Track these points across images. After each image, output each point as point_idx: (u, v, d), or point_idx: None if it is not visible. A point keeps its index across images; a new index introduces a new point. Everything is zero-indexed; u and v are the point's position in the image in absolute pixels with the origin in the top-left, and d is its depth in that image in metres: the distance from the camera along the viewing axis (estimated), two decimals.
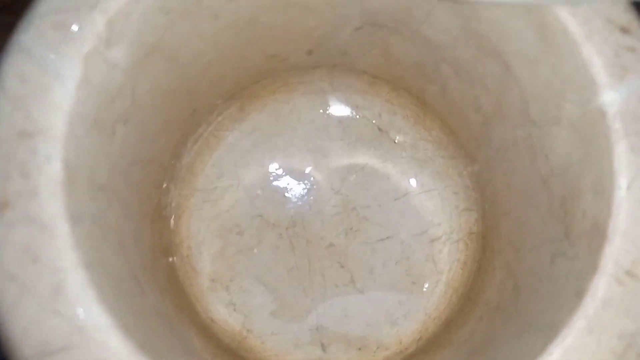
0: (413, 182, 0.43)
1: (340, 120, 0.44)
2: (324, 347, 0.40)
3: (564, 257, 0.27)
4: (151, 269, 0.33)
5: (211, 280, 0.40)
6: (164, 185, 0.39)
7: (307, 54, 0.40)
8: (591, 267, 0.24)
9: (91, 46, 0.25)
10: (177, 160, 0.40)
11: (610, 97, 0.25)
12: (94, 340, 0.22)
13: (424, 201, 0.43)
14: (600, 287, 0.23)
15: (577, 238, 0.27)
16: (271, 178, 0.43)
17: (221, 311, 0.40)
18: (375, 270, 0.42)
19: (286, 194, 0.43)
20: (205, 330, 0.38)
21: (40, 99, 0.24)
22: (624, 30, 0.26)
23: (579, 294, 0.23)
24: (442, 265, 0.41)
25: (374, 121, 0.44)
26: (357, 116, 0.44)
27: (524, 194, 0.34)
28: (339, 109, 0.44)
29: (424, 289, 0.41)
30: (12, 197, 0.23)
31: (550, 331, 0.23)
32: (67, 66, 0.25)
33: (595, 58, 0.25)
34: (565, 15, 0.26)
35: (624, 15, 0.26)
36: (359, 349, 0.40)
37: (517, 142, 0.34)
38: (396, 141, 0.44)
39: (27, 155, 0.23)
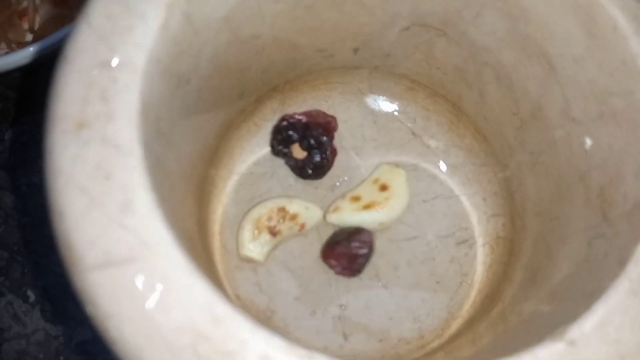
0: (442, 186, 0.44)
1: (375, 121, 0.46)
2: (345, 336, 0.40)
3: (602, 238, 0.28)
4: (189, 232, 0.34)
5: (239, 259, 0.41)
6: (207, 161, 0.40)
7: (352, 52, 0.42)
8: (633, 238, 0.25)
9: None
10: (220, 140, 0.42)
11: None
12: (158, 254, 0.22)
13: (452, 205, 0.44)
14: None
15: (617, 219, 0.28)
16: None
17: (247, 289, 0.41)
18: (400, 267, 0.42)
19: (316, 186, 0.44)
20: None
21: (124, 35, 0.26)
22: None
23: (622, 262, 0.24)
24: (467, 268, 0.42)
25: (408, 125, 0.46)
26: (392, 119, 0.46)
27: (558, 192, 0.35)
28: (374, 111, 0.46)
29: (448, 289, 0.42)
30: (91, 118, 0.24)
31: (592, 296, 0.24)
32: (151, 9, 0.26)
33: None
34: (615, 11, 0.28)
35: None
36: (380, 340, 0.40)
37: (554, 143, 0.35)
38: (429, 146, 0.45)
39: (107, 83, 0.25)
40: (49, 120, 0.25)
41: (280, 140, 0.42)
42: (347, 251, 0.40)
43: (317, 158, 0.42)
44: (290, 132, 0.42)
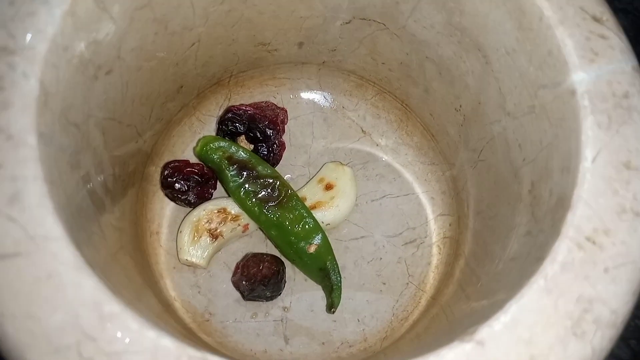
0: (391, 185, 0.43)
1: (325, 119, 0.45)
2: (286, 339, 0.39)
3: (529, 236, 0.27)
4: (118, 227, 0.33)
5: (177, 261, 0.39)
6: (144, 158, 0.39)
7: (297, 46, 0.41)
8: (553, 235, 0.24)
9: None
10: (158, 136, 0.41)
11: (580, 77, 0.26)
12: (46, 249, 0.21)
13: (400, 204, 0.43)
14: (561, 250, 0.23)
15: (542, 216, 0.27)
16: None
17: (186, 291, 0.39)
18: (347, 268, 0.41)
19: None
20: (166, 306, 0.37)
21: (25, 21, 0.25)
22: (596, 19, 0.27)
23: (540, 259, 0.23)
24: (414, 268, 0.41)
25: (358, 122, 0.45)
26: (342, 116, 0.45)
27: (496, 189, 0.34)
28: (324, 108, 0.45)
29: (393, 290, 0.41)
30: None
31: (509, 294, 0.23)
32: None
33: (567, 40, 0.26)
34: (542, 1, 0.27)
35: (597, 6, 0.27)
36: (322, 343, 0.39)
37: (493, 138, 0.34)
38: (378, 144, 0.44)
39: (5, 70, 0.24)
40: None
41: (226, 131, 0.41)
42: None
43: (264, 151, 0.41)
44: (236, 124, 0.40)
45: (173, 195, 0.39)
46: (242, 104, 0.42)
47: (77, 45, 0.27)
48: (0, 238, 0.21)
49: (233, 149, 0.39)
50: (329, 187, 0.41)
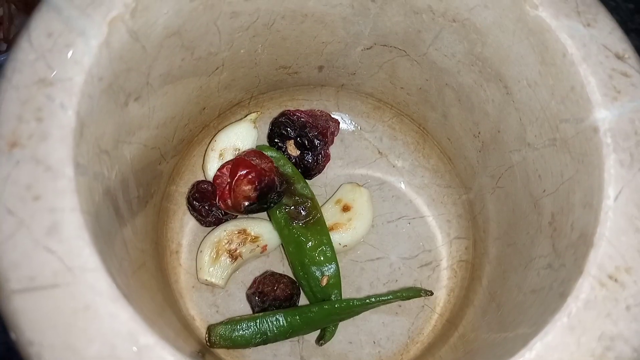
0: (407, 207, 0.44)
1: (342, 139, 0.45)
2: None
3: (550, 269, 0.28)
4: (140, 247, 0.34)
5: (196, 280, 0.40)
6: (166, 178, 0.40)
7: (317, 69, 0.42)
8: (576, 272, 0.24)
9: (117, 12, 0.27)
10: (180, 156, 0.41)
11: (603, 115, 0.26)
12: (83, 281, 0.22)
13: (416, 227, 0.44)
14: (584, 288, 0.23)
15: (564, 250, 0.27)
16: None
17: (204, 311, 0.40)
18: (362, 289, 0.42)
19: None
20: (186, 325, 0.38)
21: (62, 53, 0.25)
22: (619, 56, 0.27)
23: (563, 295, 0.24)
24: None
25: (375, 144, 0.45)
26: (359, 137, 0.45)
27: (515, 217, 0.35)
28: (342, 129, 0.45)
29: (409, 313, 0.41)
30: (23, 138, 0.24)
31: (533, 329, 0.24)
32: (92, 27, 0.26)
33: (590, 78, 0.27)
34: (565, 38, 0.28)
35: (619, 43, 0.28)
36: None
37: (512, 167, 0.35)
38: (395, 166, 0.45)
39: (43, 101, 0.24)
40: None
41: (277, 133, 0.42)
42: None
43: (309, 159, 0.42)
44: (287, 129, 0.41)
45: (197, 216, 0.40)
46: (298, 110, 0.42)
47: (110, 75, 0.27)
48: (40, 269, 0.22)
49: (281, 161, 0.40)
50: (346, 208, 0.42)
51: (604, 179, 0.25)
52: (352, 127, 0.46)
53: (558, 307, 0.23)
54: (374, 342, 0.40)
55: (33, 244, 0.22)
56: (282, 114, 0.42)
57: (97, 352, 0.21)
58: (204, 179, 0.42)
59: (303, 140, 0.41)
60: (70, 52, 0.25)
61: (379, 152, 0.45)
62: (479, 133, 0.38)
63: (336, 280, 0.40)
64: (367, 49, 0.39)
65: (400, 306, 0.41)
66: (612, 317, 0.23)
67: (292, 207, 0.40)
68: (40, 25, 0.26)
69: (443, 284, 0.42)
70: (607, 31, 0.28)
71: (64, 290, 0.22)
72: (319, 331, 0.40)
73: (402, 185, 0.44)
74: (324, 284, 0.39)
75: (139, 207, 0.35)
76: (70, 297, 0.22)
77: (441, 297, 0.41)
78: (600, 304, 0.23)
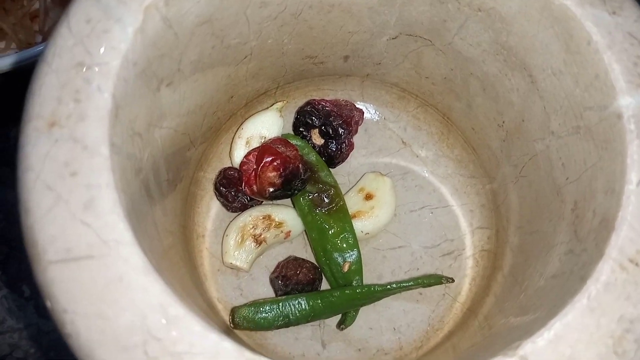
0: (430, 196, 0.44)
1: (367, 129, 0.46)
2: (323, 344, 0.40)
3: (571, 254, 0.28)
4: (170, 229, 0.35)
5: (222, 263, 0.41)
6: (194, 164, 0.41)
7: (343, 59, 0.42)
8: (597, 255, 0.24)
9: (152, 0, 0.28)
10: (208, 143, 0.42)
11: (627, 101, 0.26)
12: (117, 253, 0.23)
13: (439, 216, 0.44)
14: (604, 271, 0.24)
15: (585, 235, 0.27)
16: None
17: (229, 293, 0.41)
18: (384, 277, 0.42)
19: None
20: (210, 307, 0.39)
21: (100, 38, 0.27)
22: None
23: (583, 278, 0.24)
24: None
25: (399, 134, 0.46)
26: (383, 127, 0.46)
27: (538, 206, 0.35)
28: (366, 119, 0.46)
29: (430, 301, 0.41)
30: (62, 118, 0.25)
31: (552, 312, 0.24)
32: (128, 14, 0.27)
33: (615, 65, 0.27)
34: (590, 26, 0.28)
35: None
36: (359, 350, 0.40)
37: (536, 156, 0.35)
38: (418, 155, 0.45)
39: (81, 84, 0.26)
40: (24, 119, 0.26)
41: (302, 122, 0.43)
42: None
43: (333, 148, 0.43)
44: (312, 118, 0.42)
45: (224, 202, 0.41)
46: (323, 99, 0.43)
47: (144, 60, 0.28)
48: (76, 241, 0.23)
49: (306, 150, 0.41)
50: (368, 197, 0.43)
51: (627, 164, 0.26)
52: (376, 117, 0.46)
53: (578, 290, 0.24)
54: (394, 329, 0.41)
55: (70, 218, 0.23)
56: (308, 103, 0.43)
57: (129, 321, 0.22)
58: (230, 165, 0.43)
59: (327, 129, 0.42)
60: (108, 38, 0.27)
61: (403, 141, 0.46)
62: (503, 122, 0.38)
63: (358, 266, 0.40)
64: (393, 38, 0.39)
65: (421, 294, 0.42)
66: (632, 300, 0.23)
67: (316, 195, 0.41)
68: (79, 12, 0.27)
69: (465, 273, 0.42)
70: (633, 19, 0.28)
71: (98, 261, 0.23)
72: (340, 316, 0.40)
73: (426, 175, 0.45)
74: (346, 270, 0.40)
75: (169, 190, 0.36)
76: (104, 268, 0.23)
77: (462, 285, 0.42)
78: (620, 286, 0.23)
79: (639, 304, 0.23)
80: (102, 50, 0.26)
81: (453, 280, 0.39)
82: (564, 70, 0.30)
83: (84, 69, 0.26)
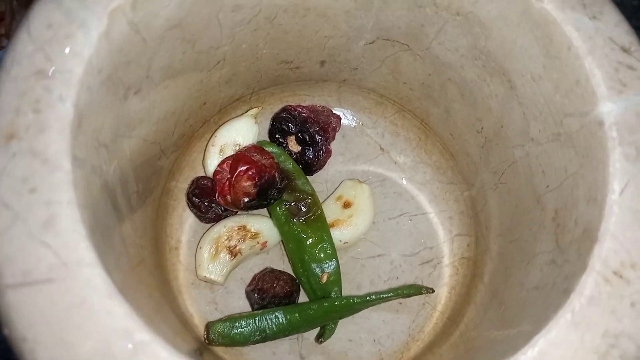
0: (409, 204, 0.43)
1: (344, 135, 0.45)
2: (302, 358, 0.39)
3: (553, 265, 0.27)
4: (139, 243, 0.33)
5: (196, 277, 0.40)
6: (165, 173, 0.39)
7: (319, 64, 0.41)
8: (580, 267, 0.24)
9: (118, 4, 0.26)
10: (180, 152, 0.41)
11: (608, 108, 0.26)
12: (78, 275, 0.21)
13: (418, 223, 0.43)
14: (588, 284, 0.23)
15: (567, 246, 0.27)
16: None
17: (202, 308, 0.40)
18: (363, 286, 0.41)
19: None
20: (184, 322, 0.37)
21: (62, 43, 0.25)
22: (625, 49, 0.27)
23: (567, 292, 0.23)
24: None
25: (377, 140, 0.45)
26: (361, 133, 0.45)
27: (517, 213, 0.34)
28: (343, 125, 0.45)
29: (410, 311, 0.41)
30: (21, 130, 0.23)
31: (536, 326, 0.23)
32: (92, 18, 0.26)
33: (596, 71, 0.27)
34: (571, 30, 0.27)
35: (626, 36, 0.27)
36: None
37: (515, 163, 0.34)
38: (396, 162, 0.44)
39: (41, 93, 0.24)
40: None
41: (278, 129, 0.41)
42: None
43: (310, 155, 0.41)
44: (289, 124, 0.41)
45: (197, 213, 0.40)
46: (300, 105, 0.42)
47: (110, 67, 0.27)
48: (35, 263, 0.22)
49: (282, 157, 0.40)
50: (347, 205, 0.42)
51: (609, 173, 0.25)
52: (354, 123, 0.45)
53: (561, 304, 0.23)
54: (374, 340, 0.40)
55: (28, 238, 0.22)
56: (283, 109, 0.42)
57: (92, 349, 0.21)
58: (204, 174, 0.41)
59: (304, 135, 0.41)
60: (70, 44, 0.25)
61: (381, 148, 0.45)
62: (482, 128, 0.37)
63: (336, 277, 0.39)
64: (370, 43, 0.39)
65: (400, 304, 0.41)
66: (617, 314, 0.23)
67: (293, 204, 0.39)
68: (40, 17, 0.26)
69: (444, 282, 0.41)
70: (614, 24, 0.28)
71: (59, 285, 0.21)
72: (318, 329, 0.39)
73: (404, 182, 0.44)
74: (324, 281, 0.39)
75: (138, 203, 0.35)
76: (65, 292, 0.21)
77: (442, 294, 0.41)
78: (604, 300, 0.23)
79: (624, 318, 0.23)
80: (64, 56, 0.25)
81: (433, 291, 0.39)
82: (544, 76, 0.30)
83: (45, 77, 0.24)
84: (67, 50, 0.25)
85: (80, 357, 0.21)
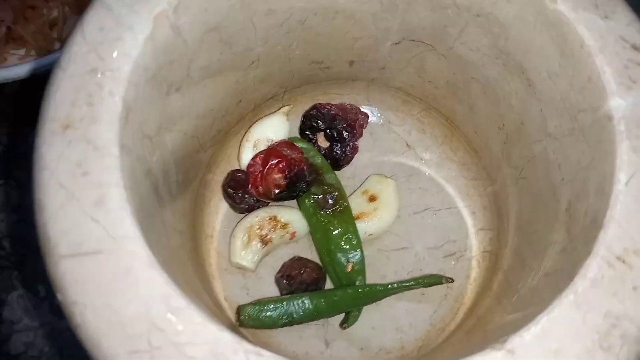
0: (434, 198, 0.45)
1: (372, 132, 0.47)
2: (327, 343, 0.41)
3: (564, 253, 0.29)
4: (178, 229, 0.36)
5: (229, 263, 0.42)
6: (204, 166, 0.42)
7: (348, 64, 0.44)
8: (585, 252, 0.25)
9: (161, 9, 0.29)
10: (217, 146, 0.44)
11: (617, 103, 0.27)
12: (124, 247, 0.24)
13: (442, 218, 0.45)
14: (591, 267, 0.24)
15: (577, 234, 0.28)
16: None
17: (235, 292, 0.42)
18: (387, 277, 0.43)
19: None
20: (217, 305, 0.40)
21: (112, 45, 0.28)
22: (636, 47, 0.28)
23: (571, 275, 0.25)
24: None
25: (403, 137, 0.47)
26: (388, 130, 0.47)
27: (536, 206, 0.36)
28: (371, 122, 0.47)
29: (432, 301, 0.42)
30: (76, 121, 0.26)
31: (541, 307, 0.25)
32: (139, 22, 0.29)
33: (606, 68, 0.28)
34: (583, 30, 0.29)
35: (637, 35, 0.29)
36: (361, 349, 0.41)
37: (534, 157, 0.36)
38: (422, 158, 0.46)
39: (94, 88, 0.27)
40: (40, 122, 0.27)
41: (308, 125, 0.44)
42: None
43: (337, 151, 0.44)
44: (318, 121, 0.43)
45: (231, 203, 0.43)
46: (329, 103, 0.45)
47: (154, 66, 0.30)
48: (86, 237, 0.24)
49: (311, 152, 0.43)
50: (372, 198, 0.44)
51: (616, 164, 0.26)
52: (381, 121, 0.47)
53: (565, 286, 0.24)
54: (397, 328, 0.42)
55: (81, 214, 0.25)
56: (313, 107, 0.44)
57: (134, 312, 0.23)
58: (238, 168, 0.44)
59: (332, 132, 0.43)
60: (119, 45, 0.28)
61: (407, 145, 0.47)
62: (504, 125, 0.39)
63: (361, 267, 0.41)
64: (396, 44, 0.40)
65: (423, 294, 0.43)
66: (619, 297, 0.24)
67: (321, 196, 0.42)
68: (93, 21, 0.29)
69: (466, 274, 0.43)
70: (625, 23, 0.29)
71: (106, 256, 0.24)
72: (343, 315, 0.41)
73: (429, 177, 0.46)
74: (349, 270, 0.41)
75: (178, 192, 0.37)
76: (112, 262, 0.24)
77: (464, 286, 0.42)
78: (607, 283, 0.24)
79: (626, 300, 0.24)
80: (114, 56, 0.28)
81: (453, 280, 0.40)
82: (560, 73, 0.31)
83: (97, 74, 0.27)
84: (116, 51, 0.28)
85: (123, 319, 0.23)
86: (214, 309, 0.37)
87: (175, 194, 0.37)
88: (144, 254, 0.24)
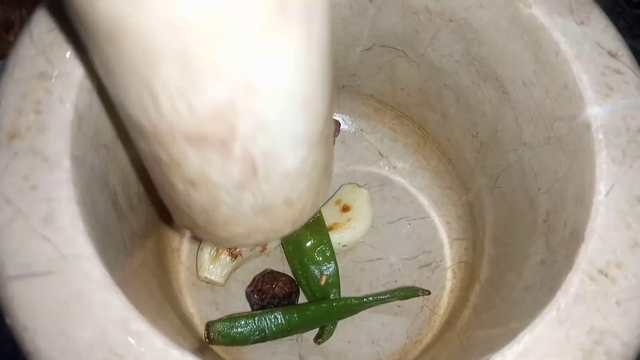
0: (408, 208, 0.44)
1: (344, 140, 0.46)
2: (301, 358, 0.40)
3: (543, 265, 0.28)
4: (141, 243, 0.34)
5: (197, 278, 0.40)
6: None
7: None
8: (566, 266, 0.24)
9: None
10: None
11: (595, 111, 0.26)
12: (77, 268, 0.22)
13: (416, 227, 0.44)
14: (573, 282, 0.24)
15: (556, 246, 0.27)
16: None
17: (204, 308, 0.40)
18: (362, 289, 0.42)
19: None
20: (185, 322, 0.38)
21: (63, 47, 0.26)
22: (612, 54, 0.28)
23: (553, 290, 0.24)
24: None
25: (376, 145, 0.46)
26: (360, 139, 0.46)
27: (512, 217, 0.35)
28: (343, 130, 0.46)
29: (408, 313, 0.41)
30: (23, 130, 0.24)
31: (523, 324, 0.24)
32: None
33: (583, 75, 0.27)
34: (559, 36, 0.28)
35: (613, 41, 0.28)
36: None
37: (509, 166, 0.35)
38: (395, 167, 0.45)
39: (42, 95, 0.25)
40: None
41: None
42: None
43: None
44: None
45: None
46: None
47: None
48: (35, 257, 0.22)
49: None
50: (345, 208, 0.42)
51: (595, 175, 0.26)
52: (353, 128, 0.46)
53: (547, 301, 0.23)
54: (373, 342, 0.40)
55: (29, 232, 0.23)
56: None
57: (90, 338, 0.21)
58: None
59: None
60: (70, 48, 0.26)
61: (380, 153, 0.45)
62: (477, 133, 0.38)
63: (335, 279, 0.40)
64: (367, 49, 0.39)
65: (399, 307, 0.41)
66: (602, 312, 0.23)
67: None
68: (42, 22, 0.27)
69: (443, 285, 0.42)
70: (601, 29, 0.28)
71: (58, 277, 0.22)
72: (317, 330, 0.40)
73: (403, 186, 0.45)
74: (323, 283, 0.39)
75: (139, 204, 0.35)
76: (64, 284, 0.22)
77: (440, 297, 0.41)
78: (590, 298, 0.23)
79: (609, 315, 0.23)
80: (64, 60, 0.26)
81: (429, 293, 0.39)
82: (534, 81, 0.30)
83: (46, 80, 0.25)
84: (67, 54, 0.26)
85: (78, 346, 0.21)
86: (180, 329, 0.35)
87: (137, 206, 0.35)
88: (99, 275, 0.22)
